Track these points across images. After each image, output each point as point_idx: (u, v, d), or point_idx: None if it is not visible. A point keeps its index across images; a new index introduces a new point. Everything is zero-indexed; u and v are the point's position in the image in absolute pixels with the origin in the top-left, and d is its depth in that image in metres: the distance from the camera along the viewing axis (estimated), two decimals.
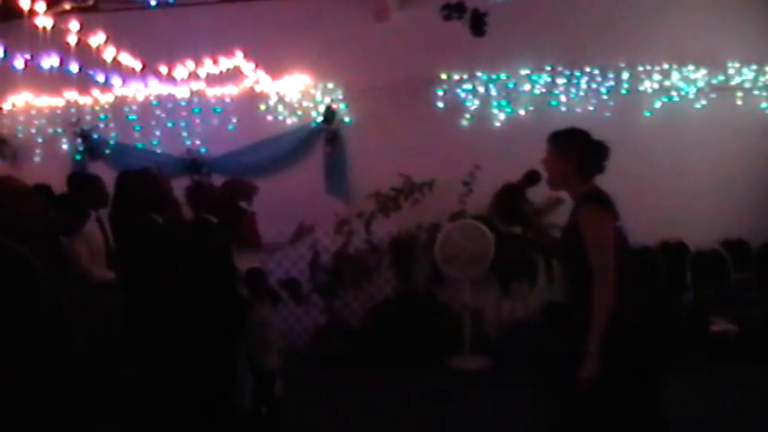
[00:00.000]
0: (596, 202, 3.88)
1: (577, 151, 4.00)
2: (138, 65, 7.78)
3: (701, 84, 9.03)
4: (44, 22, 5.90)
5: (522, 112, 9.22)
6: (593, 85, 9.12)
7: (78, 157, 9.76)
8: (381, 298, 9.22)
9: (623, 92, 9.08)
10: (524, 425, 6.42)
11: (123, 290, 5.78)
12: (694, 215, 8.77)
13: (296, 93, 9.51)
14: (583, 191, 3.97)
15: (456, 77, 9.28)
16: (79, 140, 9.80)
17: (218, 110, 9.58)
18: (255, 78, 9.26)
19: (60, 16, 6.23)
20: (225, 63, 8.57)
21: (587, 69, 9.11)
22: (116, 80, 8.08)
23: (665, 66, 9.04)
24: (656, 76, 9.05)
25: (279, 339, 6.77)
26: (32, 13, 5.84)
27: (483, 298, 8.80)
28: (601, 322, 3.66)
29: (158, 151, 9.74)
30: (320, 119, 9.44)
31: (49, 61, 6.56)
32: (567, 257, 4.07)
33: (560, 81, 9.15)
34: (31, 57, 6.54)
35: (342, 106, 9.46)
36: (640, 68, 9.06)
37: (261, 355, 6.39)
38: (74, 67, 6.94)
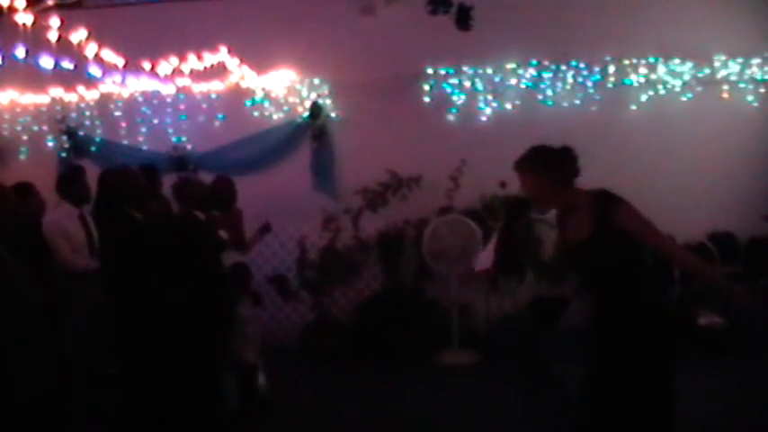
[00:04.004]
0: (616, 197, 3.92)
1: (550, 165, 4.01)
2: (121, 61, 7.74)
3: (687, 77, 9.03)
4: (24, 18, 5.85)
5: (508, 107, 9.21)
6: (580, 79, 9.11)
7: (64, 154, 9.69)
8: (369, 294, 9.20)
9: (609, 85, 9.08)
10: (513, 419, 6.43)
11: (105, 286, 5.75)
12: (681, 208, 8.75)
13: (282, 88, 9.45)
14: (587, 198, 3.95)
15: (442, 72, 9.25)
16: (65, 138, 9.73)
17: (205, 106, 9.51)
18: (241, 74, 9.21)
19: (43, 13, 6.18)
20: (209, 59, 8.53)
21: (573, 63, 9.11)
22: (100, 77, 8.04)
23: (651, 59, 9.03)
24: (643, 70, 9.05)
25: (258, 335, 6.74)
26: (12, 9, 5.79)
27: (471, 293, 8.77)
28: (705, 269, 3.92)
29: (144, 148, 9.66)
30: (306, 114, 9.40)
31: (33, 58, 6.53)
32: (593, 268, 4.02)
33: (546, 75, 9.14)
34: (14, 54, 6.49)
35: (328, 102, 9.42)
36: (626, 62, 9.05)
37: (239, 349, 6.36)
38: (55, 64, 6.89)
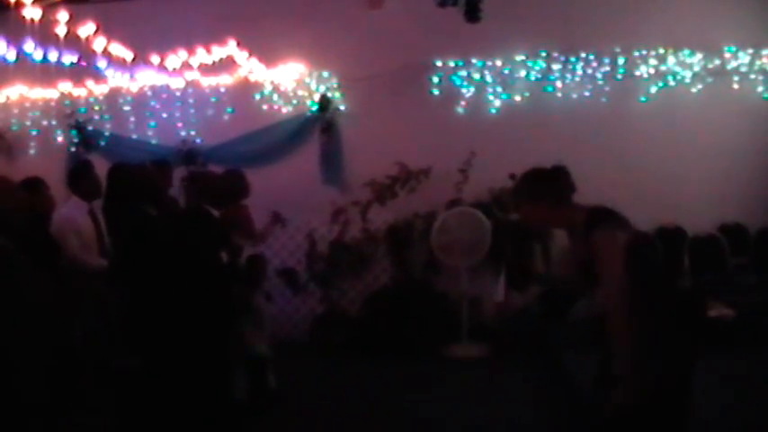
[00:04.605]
0: (605, 226, 3.73)
1: (544, 188, 3.94)
2: (129, 55, 7.74)
3: (696, 68, 8.99)
4: (32, 12, 5.86)
5: (517, 99, 9.18)
6: (589, 71, 9.07)
7: (73, 149, 9.70)
8: (378, 287, 9.21)
9: (619, 77, 9.04)
10: (522, 411, 6.42)
11: (116, 281, 5.77)
12: (691, 200, 8.75)
13: (290, 81, 9.44)
14: (582, 215, 3.85)
15: (451, 64, 9.23)
16: (74, 132, 9.74)
17: (214, 99, 9.49)
18: (249, 68, 9.19)
19: (50, 7, 6.18)
20: (218, 52, 8.51)
21: (583, 55, 9.07)
22: (109, 71, 8.04)
23: (661, 50, 9.00)
24: (652, 61, 9.01)
25: (269, 327, 6.77)
26: (20, 4, 5.80)
27: (480, 286, 8.76)
28: (617, 341, 3.59)
29: (153, 142, 9.68)
30: (315, 107, 9.39)
31: (41, 52, 6.53)
32: (597, 284, 3.97)
33: (556, 67, 9.11)
34: (23, 48, 6.49)
35: (337, 95, 9.41)
36: (636, 53, 9.02)
37: (252, 341, 6.40)
38: (66, 59, 6.91)
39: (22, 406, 3.60)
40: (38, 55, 6.50)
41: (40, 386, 3.75)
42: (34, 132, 9.84)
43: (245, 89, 9.46)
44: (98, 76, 8.68)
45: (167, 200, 6.58)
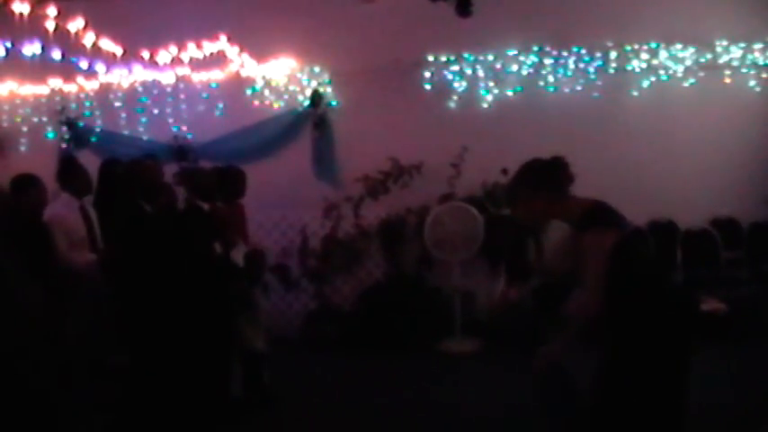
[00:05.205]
0: (597, 228, 3.77)
1: (539, 180, 3.96)
2: (119, 50, 7.71)
3: (689, 62, 8.99)
4: (21, 8, 5.83)
5: (509, 93, 9.17)
6: (581, 65, 9.06)
7: (64, 145, 9.65)
8: (371, 282, 9.20)
9: (611, 71, 9.03)
10: (516, 406, 6.42)
11: (110, 277, 5.74)
12: (683, 194, 8.76)
13: (282, 77, 9.40)
14: (580, 209, 3.87)
15: (443, 59, 9.20)
16: (65, 129, 9.69)
17: (205, 95, 9.44)
18: (241, 63, 9.16)
19: (39, 3, 6.15)
20: (209, 48, 8.49)
21: (575, 49, 9.05)
22: (99, 67, 8.01)
23: (653, 45, 8.99)
24: (644, 56, 9.00)
25: (265, 322, 6.77)
26: None
27: (473, 280, 8.76)
28: (569, 323, 3.85)
29: (145, 138, 9.62)
30: (307, 103, 9.36)
31: (31, 48, 6.49)
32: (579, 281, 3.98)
33: (548, 61, 9.08)
34: (12, 44, 6.46)
35: (329, 90, 9.38)
36: (628, 48, 9.00)
37: (249, 337, 6.39)
38: (56, 55, 6.87)
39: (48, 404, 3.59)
40: (28, 51, 6.45)
41: (39, 381, 3.74)
42: (25, 129, 9.78)
43: (237, 85, 9.40)
44: (88, 71, 8.64)
45: (164, 192, 6.54)
